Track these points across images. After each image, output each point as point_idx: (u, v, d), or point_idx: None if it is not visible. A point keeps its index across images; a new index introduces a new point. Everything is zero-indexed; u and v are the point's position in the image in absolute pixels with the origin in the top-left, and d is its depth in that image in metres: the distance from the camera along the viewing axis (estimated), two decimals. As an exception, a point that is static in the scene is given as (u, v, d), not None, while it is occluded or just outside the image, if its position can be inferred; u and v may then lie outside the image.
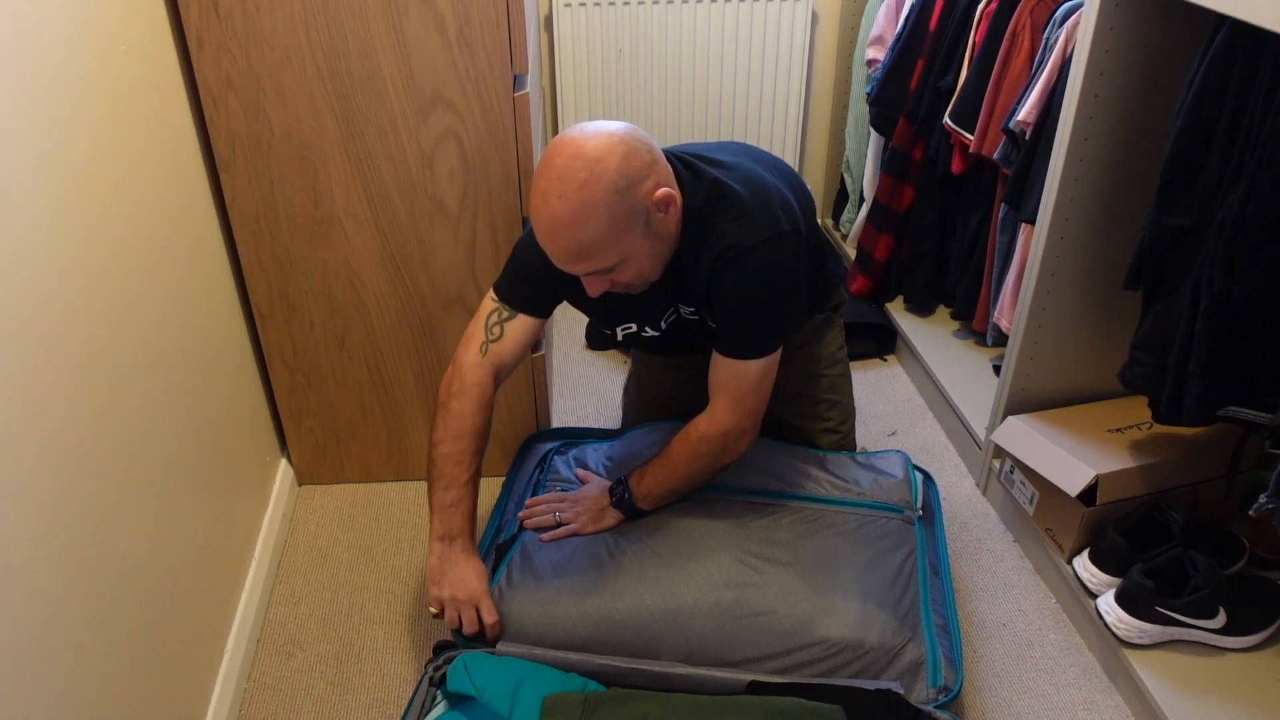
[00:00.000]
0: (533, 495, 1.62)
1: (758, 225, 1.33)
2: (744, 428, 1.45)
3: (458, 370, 1.45)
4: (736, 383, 1.42)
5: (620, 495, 1.51)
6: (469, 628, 1.37)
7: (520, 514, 1.54)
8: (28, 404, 0.96)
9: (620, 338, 1.59)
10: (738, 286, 1.35)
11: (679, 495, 1.52)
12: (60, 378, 1.03)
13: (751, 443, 1.48)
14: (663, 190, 1.28)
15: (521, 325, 1.48)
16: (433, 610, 1.38)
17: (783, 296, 1.40)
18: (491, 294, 1.49)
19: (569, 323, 2.46)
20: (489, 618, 1.36)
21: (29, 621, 0.94)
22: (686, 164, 1.38)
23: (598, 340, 2.38)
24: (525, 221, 1.67)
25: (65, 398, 1.03)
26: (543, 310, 1.49)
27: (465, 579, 1.37)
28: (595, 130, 1.26)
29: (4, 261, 0.94)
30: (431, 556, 1.39)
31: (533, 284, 1.46)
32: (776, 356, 1.43)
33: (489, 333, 1.47)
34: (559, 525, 1.52)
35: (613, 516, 1.52)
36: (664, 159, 1.33)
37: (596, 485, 1.57)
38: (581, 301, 1.50)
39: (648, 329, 1.54)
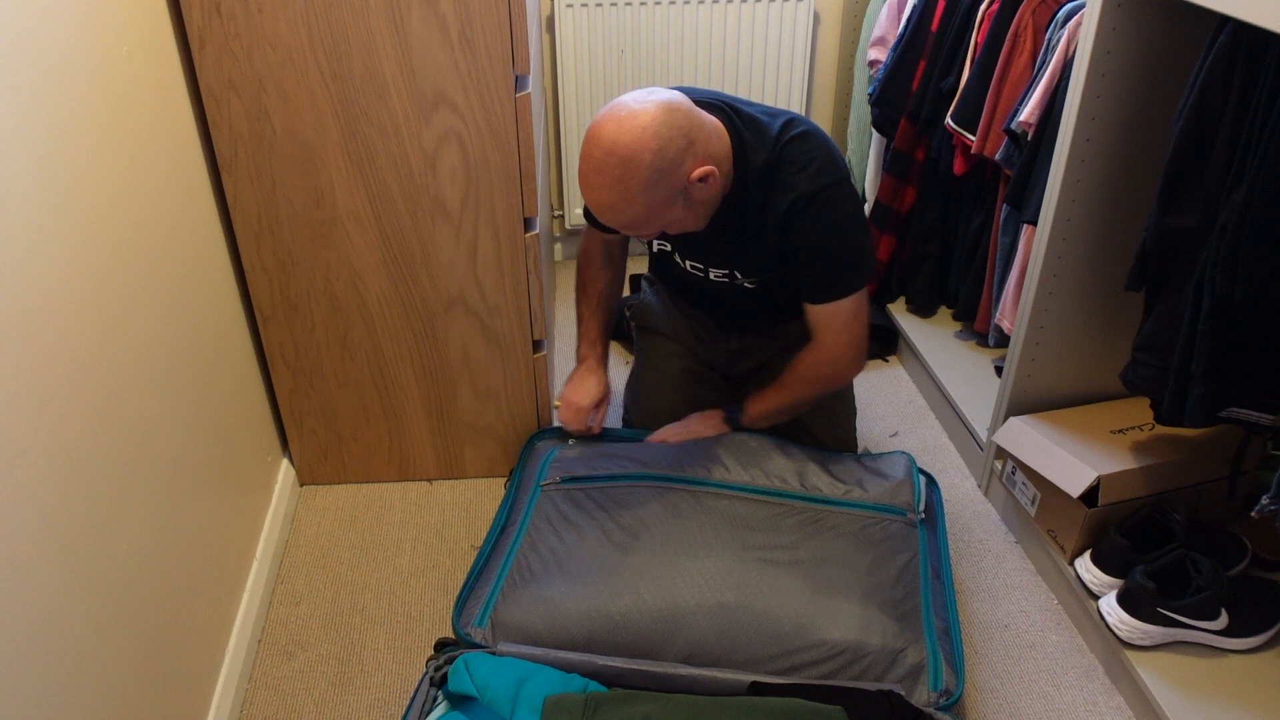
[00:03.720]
0: (531, 503, 1.63)
1: (823, 172, 1.45)
2: (850, 356, 1.58)
3: (586, 249, 1.75)
4: (835, 320, 1.54)
5: (733, 416, 1.68)
6: (575, 424, 1.75)
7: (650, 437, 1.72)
8: (29, 404, 0.96)
9: (688, 268, 1.67)
10: (813, 228, 1.46)
11: (786, 417, 1.69)
12: (61, 378, 1.03)
13: (859, 371, 1.63)
14: (701, 170, 1.36)
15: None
16: (556, 404, 1.78)
17: (856, 232, 1.50)
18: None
19: (569, 322, 2.46)
20: (595, 423, 1.75)
21: (30, 621, 0.94)
22: (747, 122, 1.46)
23: None
24: (528, 221, 1.67)
25: (66, 398, 1.03)
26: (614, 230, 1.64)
27: (586, 388, 1.74)
28: (630, 116, 1.31)
29: (6, 261, 0.94)
30: (574, 372, 1.78)
31: None
32: (865, 293, 1.54)
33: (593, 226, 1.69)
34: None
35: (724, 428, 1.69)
36: (706, 128, 1.38)
37: (708, 414, 1.72)
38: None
39: (712, 272, 1.64)
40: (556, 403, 1.78)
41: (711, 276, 1.63)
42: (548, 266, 2.08)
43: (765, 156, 1.45)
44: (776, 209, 1.46)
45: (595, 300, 1.76)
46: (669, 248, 1.68)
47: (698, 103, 1.43)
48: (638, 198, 1.33)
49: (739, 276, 1.60)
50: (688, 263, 1.65)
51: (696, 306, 1.82)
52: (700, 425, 1.71)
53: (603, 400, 1.76)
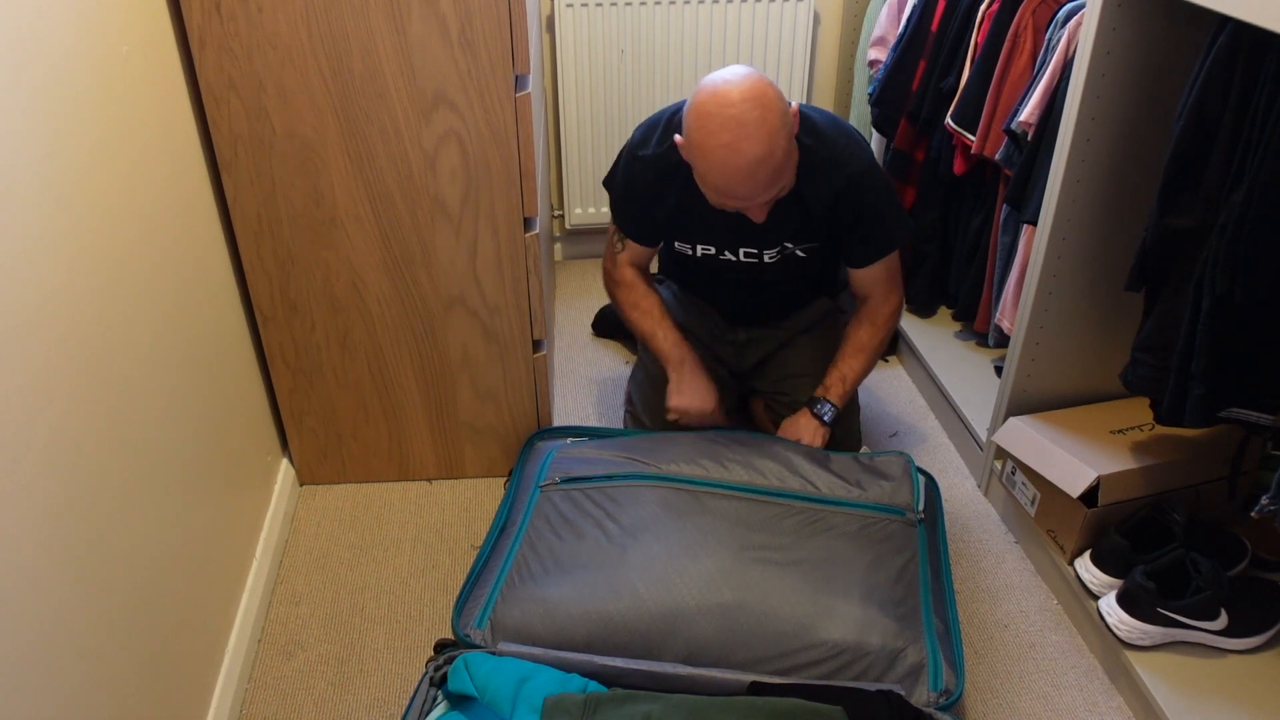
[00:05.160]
0: (531, 503, 1.63)
1: (862, 150, 1.61)
2: (900, 292, 1.77)
3: (621, 280, 1.78)
4: (892, 267, 1.71)
5: (825, 412, 1.73)
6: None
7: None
8: (29, 404, 0.96)
9: (742, 257, 1.73)
10: (870, 199, 1.61)
11: None
12: (62, 378, 1.03)
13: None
14: (795, 104, 1.50)
15: (637, 246, 1.77)
16: (671, 418, 1.74)
17: (895, 193, 1.68)
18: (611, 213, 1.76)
19: (569, 322, 2.46)
20: (720, 420, 1.76)
21: (31, 621, 0.94)
22: None
23: (604, 327, 2.39)
24: (528, 221, 1.67)
25: (67, 398, 1.03)
26: (652, 243, 1.77)
27: (699, 391, 1.73)
28: (733, 74, 1.43)
29: (6, 261, 0.94)
30: (673, 378, 1.74)
31: (643, 227, 1.73)
32: None
33: (614, 246, 1.78)
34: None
35: (822, 433, 1.74)
36: None
37: (800, 417, 1.75)
38: (695, 233, 1.70)
39: (766, 254, 1.70)
40: (672, 416, 1.74)
41: (765, 259, 1.69)
42: (548, 266, 2.08)
43: (808, 136, 1.55)
44: (827, 187, 1.58)
45: (657, 311, 1.77)
46: (713, 250, 1.71)
47: None
48: (780, 134, 1.41)
49: (789, 247, 1.67)
50: (741, 251, 1.70)
51: (710, 301, 1.85)
52: (805, 437, 1.73)
53: (720, 396, 1.76)
